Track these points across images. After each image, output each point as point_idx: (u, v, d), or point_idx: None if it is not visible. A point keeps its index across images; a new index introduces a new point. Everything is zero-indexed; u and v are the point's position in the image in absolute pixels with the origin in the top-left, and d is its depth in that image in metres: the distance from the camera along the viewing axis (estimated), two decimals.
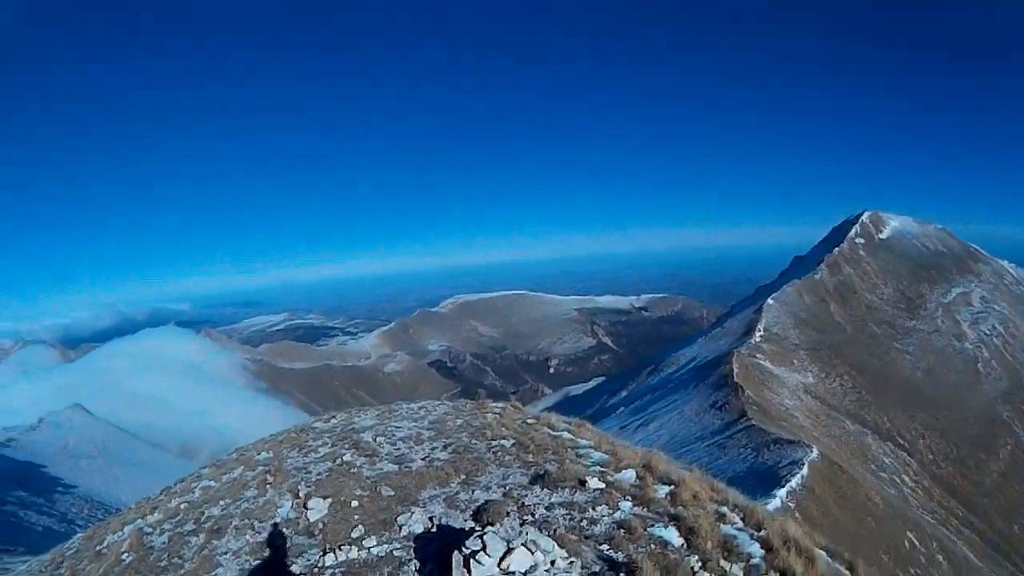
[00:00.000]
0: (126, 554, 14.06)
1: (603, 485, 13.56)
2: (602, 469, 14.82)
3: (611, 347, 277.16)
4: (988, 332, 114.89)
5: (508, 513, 12.21)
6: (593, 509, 12.35)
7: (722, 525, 11.75)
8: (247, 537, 13.39)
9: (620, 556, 10.33)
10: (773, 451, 45.95)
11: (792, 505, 36.50)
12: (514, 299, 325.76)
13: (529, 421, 20.17)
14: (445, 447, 17.19)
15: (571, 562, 8.90)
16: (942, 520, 66.45)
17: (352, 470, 15.95)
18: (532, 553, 8.55)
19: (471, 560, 8.44)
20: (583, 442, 17.77)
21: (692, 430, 59.87)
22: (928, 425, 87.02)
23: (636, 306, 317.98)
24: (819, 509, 38.42)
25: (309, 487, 15.15)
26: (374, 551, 11.80)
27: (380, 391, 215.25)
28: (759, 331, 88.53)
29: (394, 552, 11.74)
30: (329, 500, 14.21)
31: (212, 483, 17.61)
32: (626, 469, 14.74)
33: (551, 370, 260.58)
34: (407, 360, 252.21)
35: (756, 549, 10.60)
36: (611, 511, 12.24)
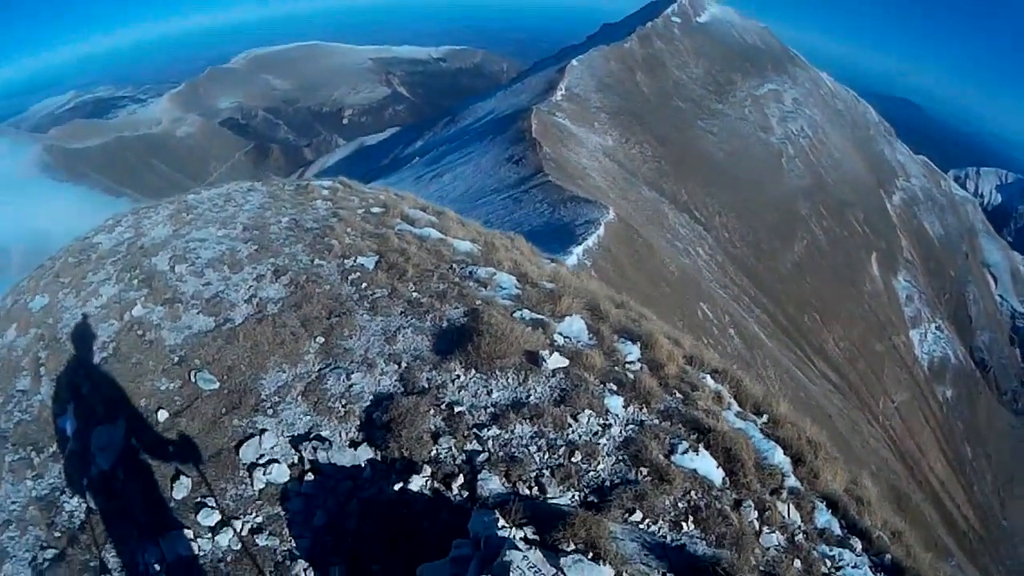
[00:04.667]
0: None
1: (565, 361, 9.09)
2: (534, 314, 10.47)
3: (407, 97, 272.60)
4: (796, 132, 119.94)
5: (439, 440, 7.72)
6: (593, 437, 7.84)
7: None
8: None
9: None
10: (569, 208, 45.18)
11: (588, 263, 35.86)
12: (307, 50, 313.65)
13: (375, 211, 15.03)
14: (276, 275, 11.32)
15: None
16: (734, 296, 69.75)
17: (146, 335, 9.90)
18: None
19: None
20: (462, 245, 13.40)
21: (487, 183, 58.73)
22: (726, 204, 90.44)
23: (434, 57, 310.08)
24: (615, 269, 38.25)
25: (92, 378, 9.32)
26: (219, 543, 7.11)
27: (175, 157, 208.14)
28: (561, 90, 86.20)
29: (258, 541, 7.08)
30: (125, 407, 8.63)
31: None
32: (569, 315, 10.62)
33: (345, 121, 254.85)
34: (199, 121, 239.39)
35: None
36: (603, 426, 8.02)
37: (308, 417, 8.20)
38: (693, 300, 47.10)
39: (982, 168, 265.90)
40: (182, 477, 7.44)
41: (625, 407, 8.31)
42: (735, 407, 9.65)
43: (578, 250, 36.16)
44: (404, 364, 8.93)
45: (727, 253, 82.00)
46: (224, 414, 8.21)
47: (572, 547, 5.55)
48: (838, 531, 7.68)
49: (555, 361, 8.85)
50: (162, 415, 8.21)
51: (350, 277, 11.14)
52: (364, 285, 10.89)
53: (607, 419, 8.00)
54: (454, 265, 11.98)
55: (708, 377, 10.26)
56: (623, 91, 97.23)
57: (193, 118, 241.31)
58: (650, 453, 7.46)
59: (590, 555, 5.46)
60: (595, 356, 9.18)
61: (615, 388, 8.65)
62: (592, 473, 7.21)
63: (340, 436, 7.96)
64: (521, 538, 5.65)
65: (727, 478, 7.56)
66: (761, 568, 6.40)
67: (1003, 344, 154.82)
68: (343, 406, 8.30)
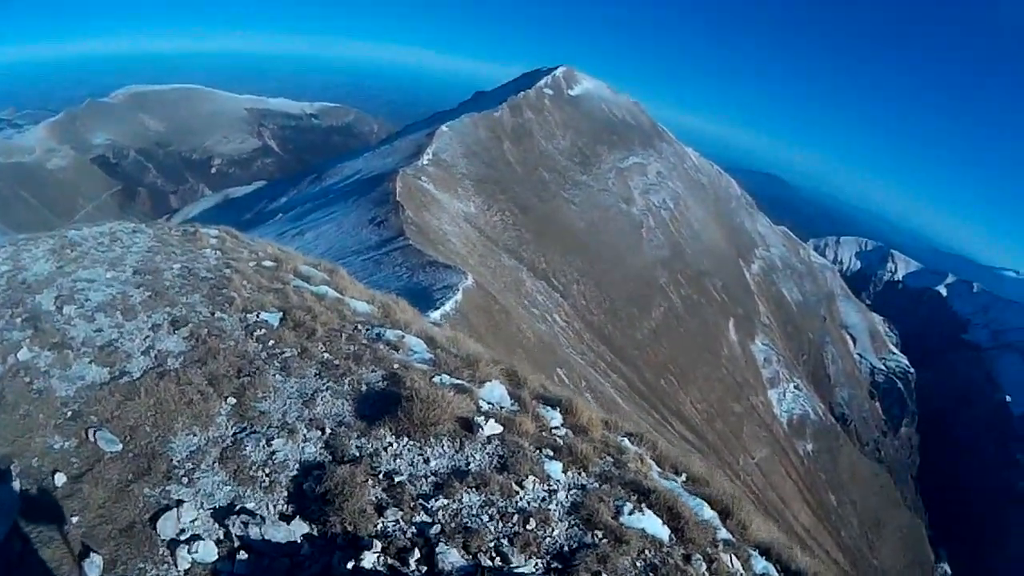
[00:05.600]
0: None
1: (500, 428, 8.88)
2: (453, 380, 10.18)
3: (276, 151, 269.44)
4: (658, 204, 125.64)
5: (384, 512, 7.15)
6: (542, 503, 7.67)
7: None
8: None
9: None
10: (428, 273, 45.65)
11: (445, 327, 34.90)
12: (186, 93, 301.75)
13: (267, 264, 14.57)
14: (175, 325, 10.40)
15: None
16: (591, 362, 70.85)
17: (34, 383, 8.67)
18: None
19: None
20: (360, 306, 13.21)
21: (349, 243, 58.38)
22: (584, 272, 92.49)
23: (308, 112, 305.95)
24: (472, 335, 36.54)
25: None
26: None
27: (44, 190, 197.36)
28: (428, 154, 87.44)
29: None
30: (16, 467, 7.38)
31: None
32: (489, 381, 10.42)
33: (213, 170, 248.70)
34: (71, 155, 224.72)
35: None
36: (549, 491, 7.91)
37: (228, 487, 7.41)
38: (550, 366, 47.29)
39: (842, 237, 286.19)
40: (92, 554, 6.42)
41: (564, 472, 8.28)
42: (655, 468, 9.85)
43: (436, 315, 36.13)
44: (328, 430, 8.37)
45: (584, 320, 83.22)
46: (132, 481, 7.28)
47: None
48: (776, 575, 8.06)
49: (491, 428, 8.68)
50: (59, 478, 7.15)
51: (255, 333, 10.53)
52: (271, 343, 10.31)
53: (551, 484, 7.94)
54: (359, 326, 11.64)
55: (625, 440, 10.43)
56: (489, 159, 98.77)
57: (66, 151, 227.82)
58: (601, 516, 7.43)
59: None
60: (526, 422, 9.10)
61: (551, 454, 8.61)
62: (549, 539, 7.06)
63: (268, 509, 7.25)
64: None
65: (672, 535, 7.70)
66: None
67: (863, 399, 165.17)
68: (267, 475, 7.60)
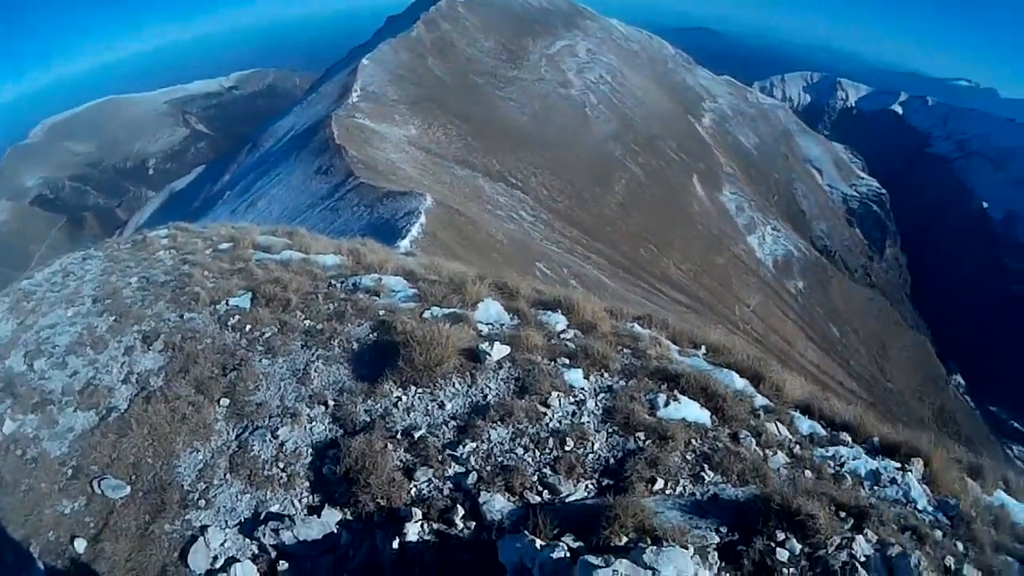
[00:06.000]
0: None
1: (507, 348, 8.32)
2: (444, 310, 9.68)
3: (207, 133, 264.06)
4: (595, 80, 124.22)
5: (415, 475, 6.63)
6: (574, 419, 7.17)
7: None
8: None
9: None
10: (387, 205, 45.30)
11: (417, 253, 35.17)
12: (102, 107, 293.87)
13: (223, 247, 13.79)
14: (147, 342, 9.66)
15: None
16: (568, 249, 71.35)
17: (27, 453, 8.07)
18: None
19: None
20: (329, 260, 12.47)
21: (302, 199, 57.83)
22: (538, 164, 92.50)
23: (226, 86, 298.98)
24: (444, 253, 37.19)
25: None
26: None
27: None
28: (356, 91, 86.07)
29: None
30: (35, 547, 6.94)
31: None
32: (481, 301, 9.91)
33: (150, 171, 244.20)
34: (9, 206, 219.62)
35: None
36: (577, 403, 7.44)
37: (248, 495, 6.98)
38: (529, 262, 47.59)
39: (787, 74, 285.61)
40: None
41: (586, 377, 7.85)
42: (674, 347, 9.49)
43: (404, 243, 36.03)
44: (331, 402, 7.84)
45: (551, 210, 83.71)
46: (151, 522, 6.84)
47: (625, 540, 5.24)
48: (823, 432, 7.79)
49: (498, 351, 8.14)
50: (80, 545, 6.69)
51: (230, 323, 9.85)
52: (248, 328, 9.66)
53: (576, 395, 7.52)
54: (332, 282, 10.99)
55: (636, 325, 10.06)
56: (417, 79, 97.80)
57: (3, 204, 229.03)
58: (637, 416, 7.09)
59: (648, 541, 5.15)
60: (532, 334, 8.59)
61: (567, 362, 8.13)
62: (592, 456, 6.70)
63: (295, 505, 6.84)
64: (568, 548, 5.18)
65: (713, 416, 7.41)
66: (788, 491, 6.03)
67: (841, 228, 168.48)
68: (282, 470, 7.15)
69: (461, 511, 6.11)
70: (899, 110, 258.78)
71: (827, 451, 7.33)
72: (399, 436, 7.05)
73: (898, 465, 7.16)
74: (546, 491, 6.26)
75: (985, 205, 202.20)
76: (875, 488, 6.83)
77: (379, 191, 47.77)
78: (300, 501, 6.80)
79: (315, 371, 8.36)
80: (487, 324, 9.20)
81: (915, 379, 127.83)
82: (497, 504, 6.06)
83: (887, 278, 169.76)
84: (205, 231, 15.49)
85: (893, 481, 6.90)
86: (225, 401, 8.07)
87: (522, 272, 43.08)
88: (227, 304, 10.26)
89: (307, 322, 9.49)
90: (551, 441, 6.74)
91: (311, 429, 7.47)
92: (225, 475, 7.15)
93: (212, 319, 9.96)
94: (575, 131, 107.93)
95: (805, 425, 7.77)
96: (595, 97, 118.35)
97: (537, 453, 6.65)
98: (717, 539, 5.44)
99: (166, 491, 7.04)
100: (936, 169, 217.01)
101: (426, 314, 9.32)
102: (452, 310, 9.48)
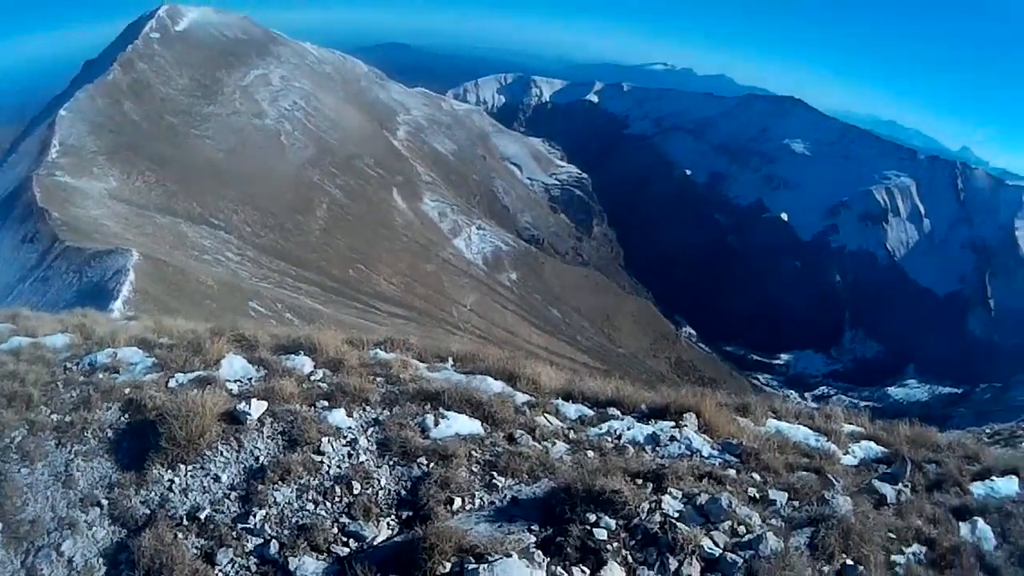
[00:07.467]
0: None
1: (264, 403, 8.06)
2: (189, 375, 8.49)
3: None
4: (289, 107, 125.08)
5: (216, 559, 6.28)
6: (350, 460, 7.12)
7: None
8: None
9: None
10: (95, 267, 44.48)
11: (132, 314, 32.36)
12: None
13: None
14: None
15: None
16: (278, 283, 72.09)
17: None
18: None
19: None
20: (59, 340, 10.69)
21: (13, 273, 53.64)
22: (238, 201, 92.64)
23: None
24: (158, 307, 37.26)
25: None
26: None
27: None
28: (54, 147, 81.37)
29: None
30: None
31: None
32: (223, 358, 9.58)
33: None
34: None
35: None
36: (350, 443, 7.48)
37: None
38: (242, 303, 48.09)
39: (480, 79, 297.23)
40: None
41: (350, 416, 7.84)
42: (422, 365, 9.83)
43: (117, 304, 35.59)
44: (105, 501, 7.04)
45: (255, 245, 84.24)
46: None
47: (450, 566, 5.42)
48: (590, 412, 8.58)
49: (256, 408, 7.74)
50: None
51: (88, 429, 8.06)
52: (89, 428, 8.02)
53: (347, 435, 7.49)
54: (68, 365, 9.61)
55: (379, 352, 10.20)
56: (115, 126, 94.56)
57: None
58: (412, 442, 7.23)
59: (472, 560, 5.39)
60: (284, 383, 8.37)
61: (327, 403, 8.08)
62: (383, 492, 6.78)
63: None
64: None
65: (484, 424, 7.78)
66: (586, 476, 6.38)
67: (546, 216, 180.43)
68: None
69: None
70: (595, 99, 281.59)
71: (601, 428, 8.04)
72: (185, 521, 6.67)
73: (672, 424, 8.05)
74: (351, 540, 6.23)
75: (688, 172, 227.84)
76: (658, 449, 7.61)
77: (85, 253, 46.54)
78: None
79: (78, 470, 7.43)
80: (235, 381, 8.85)
81: (646, 340, 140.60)
82: (309, 567, 5.99)
83: (600, 254, 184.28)
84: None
85: (673, 439, 7.72)
86: None
87: (237, 314, 40.07)
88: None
89: (54, 416, 8.17)
90: (337, 488, 6.72)
91: (94, 536, 6.78)
92: None
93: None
94: (272, 161, 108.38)
95: (572, 410, 8.50)
96: (290, 124, 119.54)
97: (328, 504, 6.60)
98: (533, 538, 5.81)
99: None
100: (635, 147, 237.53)
101: (171, 383, 8.78)
102: (197, 373, 8.97)
